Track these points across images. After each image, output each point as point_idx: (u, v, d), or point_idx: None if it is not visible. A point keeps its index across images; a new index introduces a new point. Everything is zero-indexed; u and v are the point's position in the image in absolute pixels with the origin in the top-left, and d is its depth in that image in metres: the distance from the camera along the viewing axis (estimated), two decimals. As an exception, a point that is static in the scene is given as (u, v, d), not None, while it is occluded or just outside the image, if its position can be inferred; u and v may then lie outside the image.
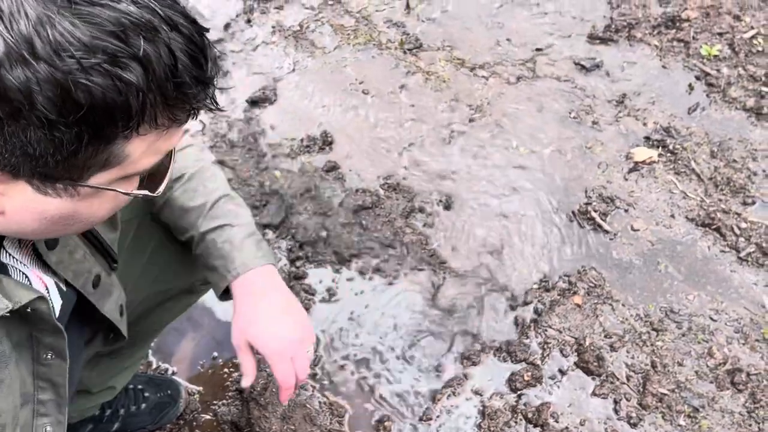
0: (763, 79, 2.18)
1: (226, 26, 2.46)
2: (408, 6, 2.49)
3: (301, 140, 2.09)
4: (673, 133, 2.08)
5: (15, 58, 0.53)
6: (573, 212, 1.91)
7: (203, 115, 2.17)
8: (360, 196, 1.94)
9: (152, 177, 0.71)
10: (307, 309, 1.73)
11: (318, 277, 1.79)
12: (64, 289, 0.86)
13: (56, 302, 0.83)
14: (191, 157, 1.11)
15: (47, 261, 0.80)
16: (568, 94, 2.21)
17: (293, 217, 1.91)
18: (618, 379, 1.60)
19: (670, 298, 1.73)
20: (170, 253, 1.16)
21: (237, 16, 2.50)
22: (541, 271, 1.80)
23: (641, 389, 1.58)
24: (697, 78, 2.23)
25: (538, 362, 1.63)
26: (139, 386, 1.53)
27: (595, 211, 1.90)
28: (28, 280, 0.77)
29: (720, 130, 2.08)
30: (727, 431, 1.52)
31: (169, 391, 1.55)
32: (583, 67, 2.27)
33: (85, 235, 0.89)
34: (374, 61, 2.32)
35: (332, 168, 2.02)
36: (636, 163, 2.01)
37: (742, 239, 1.82)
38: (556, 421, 1.54)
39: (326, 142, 2.08)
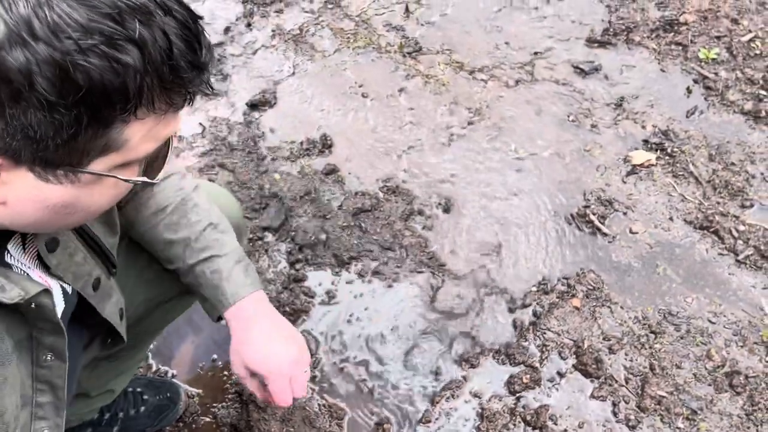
0: (761, 82, 2.19)
1: (226, 30, 2.47)
2: (407, 10, 2.50)
3: (301, 143, 2.10)
4: (672, 136, 2.08)
5: (15, 40, 0.54)
6: (572, 215, 1.92)
7: (203, 118, 2.18)
8: (359, 199, 1.95)
9: (151, 166, 0.71)
10: (307, 311, 1.73)
11: (317, 279, 1.79)
12: (69, 292, 0.87)
13: (59, 305, 0.83)
14: (173, 187, 1.09)
15: (48, 263, 0.81)
16: (567, 97, 2.22)
17: (293, 220, 1.91)
18: (616, 382, 1.60)
19: (668, 300, 1.74)
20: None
21: (237, 19, 2.51)
22: (539, 274, 1.80)
23: (640, 392, 1.58)
24: (696, 81, 2.23)
25: (537, 365, 1.63)
26: (139, 389, 1.53)
27: (594, 214, 1.90)
28: (31, 279, 0.78)
29: (718, 133, 2.09)
30: (725, 434, 1.52)
31: (168, 394, 1.55)
32: (581, 70, 2.28)
33: (85, 240, 0.89)
34: (374, 65, 2.33)
35: (332, 171, 2.02)
36: (634, 166, 2.02)
37: (740, 242, 1.83)
38: (555, 424, 1.54)
39: (326, 145, 2.09)
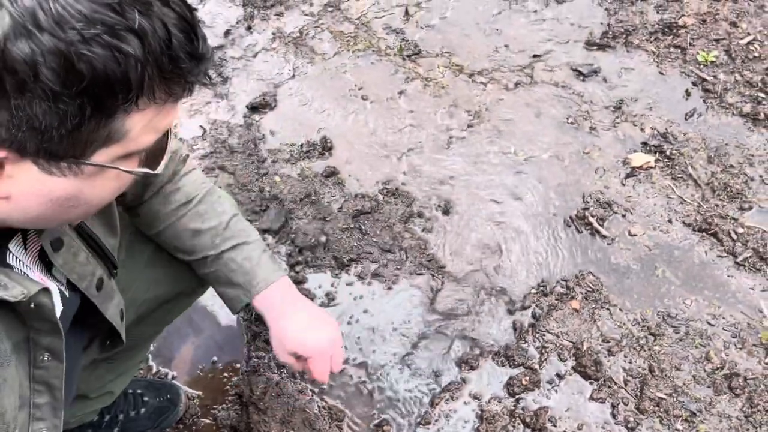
0: (760, 85, 2.20)
1: (227, 33, 2.48)
2: (407, 13, 2.51)
3: (301, 146, 2.10)
4: (670, 138, 2.09)
5: (20, 31, 0.55)
6: (571, 217, 1.92)
7: (204, 121, 2.18)
8: (359, 201, 1.95)
9: (151, 158, 0.72)
10: (306, 314, 1.74)
11: (317, 281, 1.80)
12: (68, 295, 0.87)
13: (57, 307, 0.84)
14: (197, 180, 1.14)
15: (54, 262, 0.81)
16: (566, 100, 2.22)
17: (293, 222, 1.92)
18: (616, 384, 1.60)
19: (667, 302, 1.74)
20: (167, 256, 1.17)
21: (237, 22, 2.52)
22: (539, 276, 1.81)
23: (639, 393, 1.59)
24: (694, 84, 2.24)
25: (536, 367, 1.63)
26: (139, 391, 1.54)
27: (593, 216, 1.91)
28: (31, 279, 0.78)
29: (717, 135, 2.10)
30: (724, 435, 1.53)
31: (168, 396, 1.55)
32: (580, 73, 2.29)
33: (86, 240, 0.90)
34: (373, 68, 2.34)
35: (332, 173, 2.03)
36: (633, 168, 2.02)
37: (738, 244, 1.83)
38: (554, 426, 1.54)
39: (326, 147, 2.09)
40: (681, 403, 1.56)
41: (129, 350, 1.20)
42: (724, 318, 1.71)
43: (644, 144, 2.08)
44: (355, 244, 1.86)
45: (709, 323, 1.70)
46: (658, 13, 2.46)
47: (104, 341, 1.06)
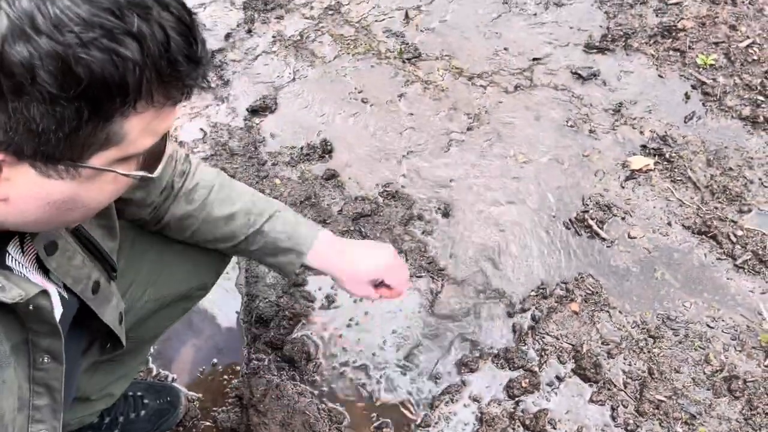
0: (759, 88, 2.20)
1: (227, 36, 2.48)
2: (407, 16, 2.52)
3: (301, 148, 2.11)
4: (670, 141, 2.09)
5: (17, 34, 0.55)
6: (570, 220, 1.93)
7: (204, 124, 2.19)
8: (359, 204, 1.96)
9: (148, 161, 0.72)
10: (306, 316, 1.74)
11: (317, 284, 1.80)
12: (67, 297, 0.87)
13: (57, 309, 0.84)
14: (206, 171, 1.17)
15: (47, 266, 0.81)
16: (566, 102, 2.23)
17: (293, 225, 1.92)
18: (615, 386, 1.60)
19: (666, 305, 1.74)
20: (168, 259, 1.17)
21: (238, 25, 2.52)
22: (538, 279, 1.81)
23: (638, 396, 1.59)
24: (694, 87, 2.25)
25: (536, 369, 1.64)
26: (139, 393, 1.54)
27: (593, 218, 1.91)
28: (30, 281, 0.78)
29: (716, 138, 2.10)
30: (724, 438, 1.53)
31: (168, 398, 1.56)
32: (580, 76, 2.29)
33: (83, 243, 0.90)
34: (373, 71, 2.35)
35: (332, 176, 2.03)
36: (633, 171, 2.03)
37: (738, 247, 1.84)
38: (554, 428, 1.54)
39: (326, 150, 2.10)
40: (681, 405, 1.57)
41: (130, 352, 1.20)
42: (723, 320, 1.71)
43: (644, 147, 2.09)
44: (355, 246, 1.87)
45: (708, 326, 1.70)
46: (657, 16, 2.47)
47: (104, 344, 1.06)
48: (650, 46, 2.38)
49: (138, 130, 0.64)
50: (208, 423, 1.59)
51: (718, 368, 1.62)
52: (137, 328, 1.18)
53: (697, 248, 1.85)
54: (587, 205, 1.95)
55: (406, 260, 1.84)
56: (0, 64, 0.55)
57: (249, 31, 2.50)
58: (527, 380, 1.61)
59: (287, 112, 2.23)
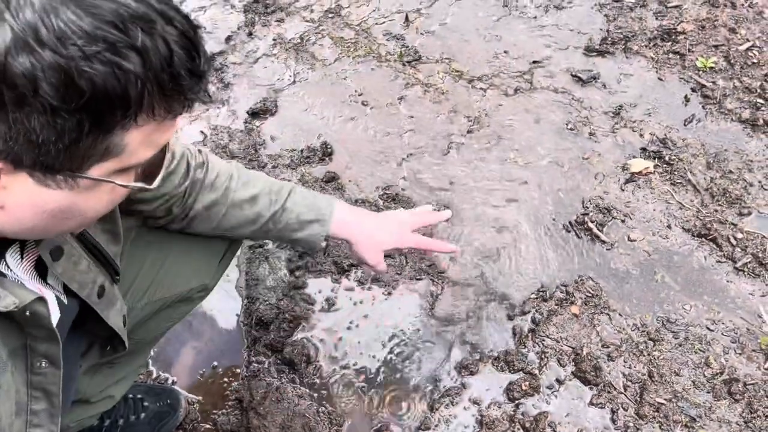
0: (759, 91, 2.21)
1: (228, 39, 2.49)
2: (407, 19, 2.53)
3: (301, 151, 2.11)
4: (670, 144, 2.10)
5: (21, 46, 0.55)
6: (570, 223, 1.93)
7: (204, 126, 2.19)
8: (359, 207, 1.96)
9: (147, 172, 0.72)
10: (306, 318, 1.74)
11: (317, 287, 1.80)
12: (65, 302, 0.87)
13: (54, 314, 0.84)
14: (220, 159, 1.20)
15: (53, 271, 0.82)
16: (566, 105, 2.23)
17: (293, 228, 1.92)
18: (615, 389, 1.60)
19: (666, 308, 1.75)
20: (168, 261, 1.18)
21: (238, 28, 2.53)
22: (538, 281, 1.81)
23: (638, 399, 1.59)
24: (693, 90, 2.25)
25: (536, 372, 1.63)
26: (139, 396, 1.54)
27: (592, 221, 1.91)
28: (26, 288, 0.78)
29: (716, 141, 2.10)
30: (724, 441, 1.53)
31: (168, 401, 1.56)
32: (580, 79, 2.30)
33: (88, 248, 0.90)
34: (374, 73, 2.35)
35: (332, 178, 2.03)
36: (632, 174, 2.03)
37: (738, 250, 1.84)
38: (554, 431, 1.54)
39: (326, 153, 2.10)
40: (681, 408, 1.56)
41: (129, 355, 1.20)
42: (723, 323, 1.71)
43: (643, 150, 2.09)
44: (355, 249, 1.87)
45: (708, 328, 1.70)
46: (657, 19, 2.47)
47: (104, 346, 1.06)
48: (650, 49, 2.38)
49: (138, 142, 0.64)
50: (208, 426, 1.59)
51: (718, 371, 1.62)
52: (137, 329, 1.19)
53: (697, 251, 1.85)
54: (587, 207, 1.96)
55: (406, 262, 1.84)
56: (3, 76, 0.55)
57: (249, 34, 2.51)
58: (527, 383, 1.61)
59: (287, 114, 2.24)
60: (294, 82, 2.33)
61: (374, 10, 2.57)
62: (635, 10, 2.51)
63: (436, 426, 1.57)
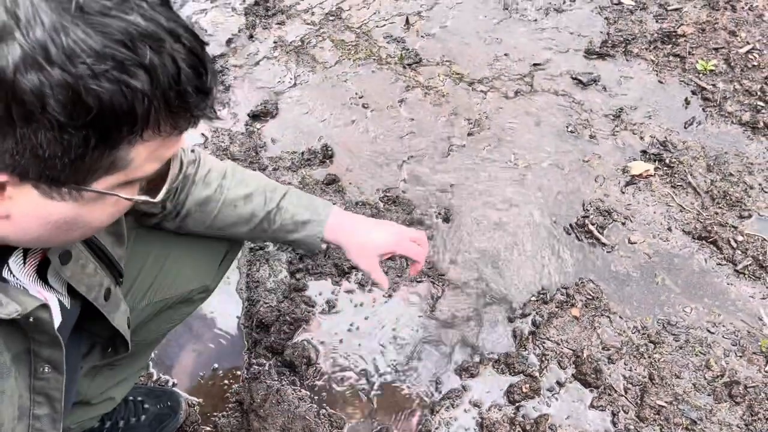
0: (759, 93, 2.21)
1: (229, 41, 2.49)
2: (407, 22, 2.53)
3: (302, 153, 2.11)
4: (670, 147, 2.10)
5: (30, 63, 0.55)
6: (571, 225, 1.93)
7: (205, 129, 2.20)
8: (360, 209, 1.96)
9: (151, 184, 0.73)
10: (307, 321, 1.74)
11: (318, 289, 1.80)
12: (68, 305, 0.88)
13: (56, 319, 0.84)
14: (215, 159, 1.20)
15: (62, 275, 0.82)
16: (566, 108, 2.23)
17: (293, 230, 1.92)
18: (616, 392, 1.60)
19: (667, 310, 1.74)
20: (168, 262, 1.18)
21: (239, 31, 2.53)
22: (539, 284, 1.81)
23: (639, 401, 1.59)
24: (694, 92, 2.25)
25: (537, 374, 1.63)
26: (139, 398, 1.54)
27: (593, 224, 1.91)
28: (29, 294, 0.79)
29: (716, 144, 2.10)
30: (724, 444, 1.52)
31: (169, 403, 1.56)
32: (580, 81, 2.30)
33: (94, 251, 0.91)
34: (374, 76, 2.35)
35: (332, 181, 2.04)
36: (633, 176, 2.03)
37: (738, 252, 1.84)
38: (555, 434, 1.54)
39: (326, 155, 2.10)
40: (681, 411, 1.56)
41: (130, 357, 1.20)
42: (724, 326, 1.71)
43: (644, 152, 2.09)
44: (356, 251, 1.87)
45: (709, 331, 1.70)
46: (657, 22, 2.48)
47: (106, 348, 1.07)
48: (650, 51, 2.39)
49: (143, 156, 0.65)
50: (208, 428, 1.59)
51: (718, 374, 1.62)
52: (138, 331, 1.19)
53: (698, 253, 1.85)
54: (587, 210, 1.96)
55: (407, 265, 1.84)
56: (12, 92, 0.56)
57: (250, 37, 2.51)
58: (528, 385, 1.61)
59: (288, 117, 2.24)
60: (295, 84, 2.34)
61: (375, 13, 2.57)
62: (635, 13, 2.52)
63: (436, 428, 1.56)
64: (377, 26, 2.53)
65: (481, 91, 2.30)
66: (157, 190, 0.73)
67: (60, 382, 0.81)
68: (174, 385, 1.66)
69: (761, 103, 2.19)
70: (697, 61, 2.31)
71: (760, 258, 1.82)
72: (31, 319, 0.73)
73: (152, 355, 1.67)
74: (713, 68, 2.29)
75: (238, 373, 1.67)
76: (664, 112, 2.20)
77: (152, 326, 1.23)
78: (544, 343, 1.69)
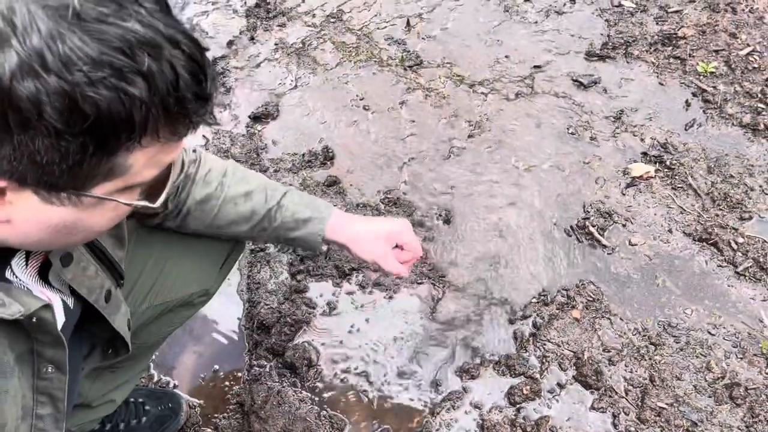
0: (760, 95, 2.21)
1: (230, 43, 2.50)
2: (408, 24, 2.53)
3: (303, 155, 2.12)
4: (670, 148, 2.10)
5: (26, 71, 0.55)
6: (571, 227, 1.93)
7: (206, 130, 2.20)
8: (361, 211, 1.96)
9: (151, 189, 0.73)
10: (308, 322, 1.74)
11: (319, 290, 1.80)
12: (71, 306, 0.88)
13: (60, 319, 0.84)
14: (215, 157, 1.20)
15: (63, 277, 0.82)
16: (567, 110, 2.24)
17: (294, 232, 1.92)
18: (616, 393, 1.60)
19: (668, 312, 1.74)
20: (169, 265, 1.18)
21: (240, 33, 2.54)
22: (539, 286, 1.81)
23: (640, 403, 1.59)
24: (694, 94, 2.25)
25: (537, 376, 1.63)
26: (140, 399, 1.54)
27: (593, 225, 1.91)
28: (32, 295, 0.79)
29: (717, 146, 2.11)
30: (725, 446, 1.52)
31: (170, 405, 1.56)
32: (581, 83, 2.30)
33: (95, 253, 0.91)
34: (375, 78, 2.36)
35: (333, 183, 2.04)
36: (633, 178, 2.03)
37: (739, 254, 1.84)
38: (555, 435, 1.54)
39: (327, 157, 2.10)
40: (682, 413, 1.56)
41: (131, 359, 1.21)
42: (724, 328, 1.71)
43: (644, 154, 2.09)
44: (357, 253, 1.87)
45: (709, 333, 1.70)
46: (657, 24, 2.48)
47: (106, 349, 1.07)
48: (651, 53, 2.39)
49: (142, 162, 0.65)
50: (209, 430, 1.59)
51: (719, 375, 1.62)
52: (139, 334, 1.19)
53: (698, 255, 1.85)
54: (588, 212, 1.96)
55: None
56: (8, 99, 0.56)
57: (251, 39, 2.52)
58: (528, 387, 1.61)
59: (289, 119, 2.24)
60: (296, 86, 2.34)
61: (376, 15, 2.58)
62: (636, 15, 2.52)
63: (437, 430, 1.56)
64: (378, 28, 2.53)
65: (482, 93, 2.30)
66: (157, 195, 0.73)
67: (63, 382, 0.82)
68: (175, 386, 1.66)
69: (762, 105, 2.19)
70: (697, 63, 2.31)
71: (761, 260, 1.82)
72: (34, 320, 0.73)
73: (153, 357, 1.67)
74: (714, 70, 2.29)
75: (239, 374, 1.67)
76: (665, 114, 2.21)
77: (153, 329, 1.24)
78: (544, 344, 1.69)
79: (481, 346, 1.70)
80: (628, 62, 2.37)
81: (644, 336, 1.70)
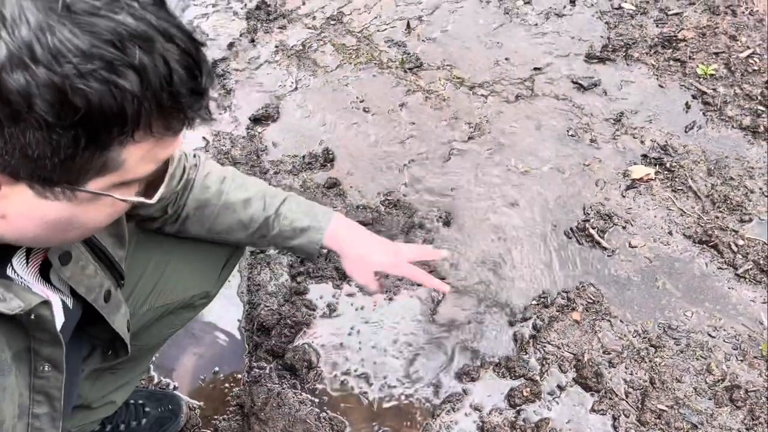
0: (759, 98, 2.21)
1: (230, 45, 2.50)
2: (408, 26, 2.54)
3: (303, 157, 2.12)
4: (670, 151, 2.10)
5: (16, 63, 0.55)
6: (571, 229, 1.93)
7: (206, 132, 2.20)
8: (361, 213, 1.96)
9: (149, 185, 0.72)
10: (308, 324, 1.74)
11: (319, 292, 1.80)
12: (71, 306, 0.88)
13: (59, 318, 0.84)
14: (215, 164, 1.20)
15: (62, 275, 0.82)
16: (567, 112, 2.24)
17: (294, 233, 1.92)
18: (617, 396, 1.60)
19: (668, 314, 1.74)
20: (169, 267, 1.18)
21: (241, 35, 2.54)
22: (539, 288, 1.81)
23: (640, 405, 1.58)
24: (694, 97, 2.26)
25: (537, 378, 1.63)
26: (140, 401, 1.54)
27: (593, 228, 1.91)
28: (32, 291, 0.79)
29: (717, 148, 2.11)
30: (726, 448, 1.52)
31: (170, 406, 1.56)
32: (581, 86, 2.31)
33: (95, 252, 0.91)
34: (375, 80, 2.36)
35: (333, 184, 2.04)
36: (633, 180, 2.03)
37: (739, 256, 1.84)
38: (555, 438, 1.54)
39: (327, 159, 2.11)
40: (682, 415, 1.56)
41: (131, 360, 1.20)
42: (725, 330, 1.71)
43: (644, 156, 2.10)
44: (357, 255, 1.87)
45: (710, 335, 1.70)
46: (657, 26, 2.48)
47: (106, 351, 1.07)
48: (651, 56, 2.39)
49: (137, 157, 0.64)
50: (209, 431, 1.58)
51: (719, 378, 1.62)
52: (140, 335, 1.19)
53: (699, 257, 1.86)
54: (588, 214, 1.96)
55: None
56: None
57: (252, 41, 2.52)
58: (528, 389, 1.61)
59: (289, 121, 2.25)
60: (296, 88, 2.35)
61: (376, 17, 2.58)
62: (636, 17, 2.52)
63: (437, 432, 1.56)
64: (378, 30, 2.53)
65: (482, 95, 2.30)
66: (154, 190, 0.72)
67: (60, 381, 0.81)
68: (175, 388, 1.66)
69: (762, 108, 2.19)
70: (697, 66, 2.32)
71: (761, 262, 1.82)
72: (32, 317, 0.73)
73: (153, 358, 1.67)
74: (714, 72, 2.29)
75: (239, 376, 1.67)
76: (665, 117, 2.21)
77: (153, 331, 1.24)
78: (544, 346, 1.69)
79: (481, 348, 1.70)
80: (628, 64, 2.37)
81: (644, 338, 1.70)
